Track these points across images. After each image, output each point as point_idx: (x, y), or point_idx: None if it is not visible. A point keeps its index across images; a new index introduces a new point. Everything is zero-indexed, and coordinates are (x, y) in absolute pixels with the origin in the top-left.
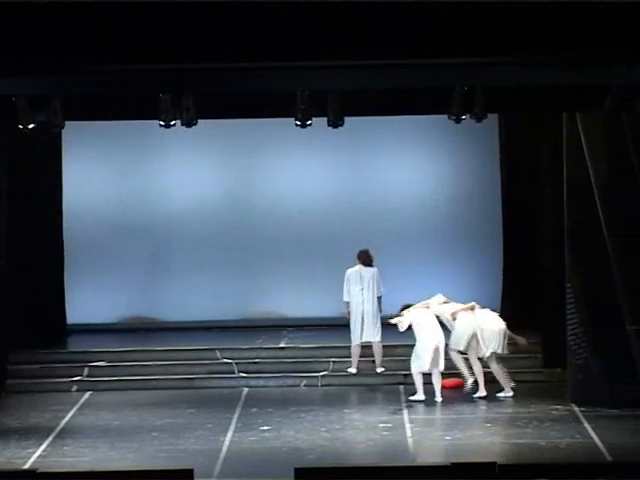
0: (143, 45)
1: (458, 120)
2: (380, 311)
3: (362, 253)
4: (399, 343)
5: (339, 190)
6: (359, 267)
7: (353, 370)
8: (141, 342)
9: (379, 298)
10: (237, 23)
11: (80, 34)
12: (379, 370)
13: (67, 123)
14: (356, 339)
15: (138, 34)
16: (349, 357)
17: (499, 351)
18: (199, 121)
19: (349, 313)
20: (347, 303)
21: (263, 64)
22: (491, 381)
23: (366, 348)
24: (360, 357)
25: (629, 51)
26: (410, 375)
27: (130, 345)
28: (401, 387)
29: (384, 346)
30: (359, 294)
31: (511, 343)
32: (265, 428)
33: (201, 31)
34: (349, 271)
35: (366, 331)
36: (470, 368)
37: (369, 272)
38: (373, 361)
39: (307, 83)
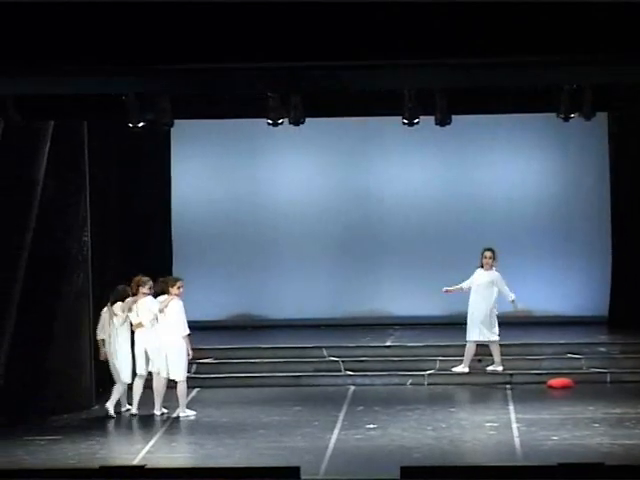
0: (253, 43)
1: (567, 118)
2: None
3: (485, 251)
4: (508, 342)
5: (448, 188)
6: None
7: (465, 369)
8: (248, 340)
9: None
10: (351, 20)
11: (190, 33)
12: (499, 369)
13: (175, 122)
14: (472, 337)
15: (248, 33)
16: (455, 356)
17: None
18: (307, 120)
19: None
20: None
21: (371, 62)
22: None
23: (478, 347)
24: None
25: None
26: (516, 375)
27: (238, 342)
28: (508, 386)
29: None
30: (475, 292)
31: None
32: (371, 426)
33: (312, 29)
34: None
35: (480, 330)
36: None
37: (488, 272)
38: (479, 360)
39: (415, 81)
